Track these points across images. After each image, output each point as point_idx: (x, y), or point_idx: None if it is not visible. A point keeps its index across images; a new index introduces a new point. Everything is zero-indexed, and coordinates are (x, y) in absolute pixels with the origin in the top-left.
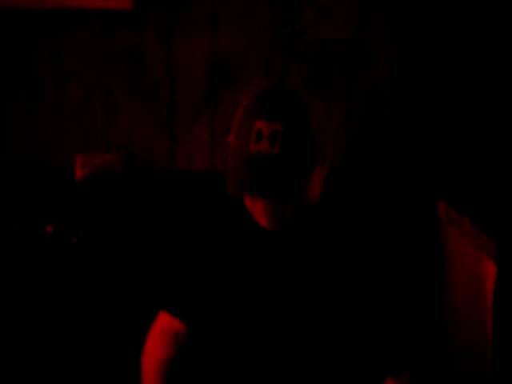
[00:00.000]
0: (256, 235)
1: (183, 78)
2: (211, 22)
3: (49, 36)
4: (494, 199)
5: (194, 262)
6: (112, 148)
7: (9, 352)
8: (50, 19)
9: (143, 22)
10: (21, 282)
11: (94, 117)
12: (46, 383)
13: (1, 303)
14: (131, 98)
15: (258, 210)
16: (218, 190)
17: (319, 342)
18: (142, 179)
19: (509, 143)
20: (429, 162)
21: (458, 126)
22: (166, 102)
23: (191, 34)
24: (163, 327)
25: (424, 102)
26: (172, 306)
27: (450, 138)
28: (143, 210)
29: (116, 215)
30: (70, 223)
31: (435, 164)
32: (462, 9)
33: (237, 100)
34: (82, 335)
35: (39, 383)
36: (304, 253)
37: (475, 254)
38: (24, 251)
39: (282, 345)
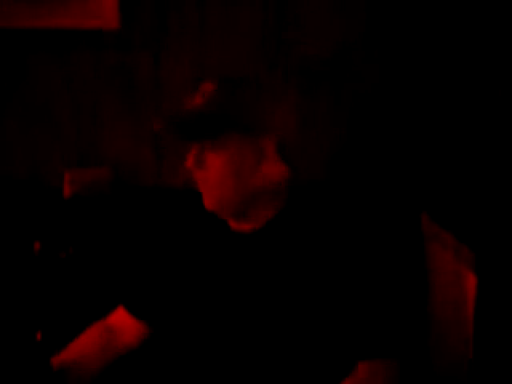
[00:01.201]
0: (227, 240)
1: (170, 94)
2: (199, 39)
3: (38, 55)
4: (474, 213)
5: (162, 266)
6: (100, 163)
7: None
8: (40, 38)
9: (130, 40)
10: (10, 295)
11: (82, 134)
12: None
13: None
14: (119, 114)
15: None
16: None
17: (283, 340)
18: (129, 195)
19: (488, 160)
20: (414, 178)
21: (442, 141)
22: (151, 114)
23: (179, 51)
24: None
25: (408, 117)
26: (134, 306)
27: (433, 153)
28: (128, 224)
29: (103, 230)
30: (58, 240)
31: (420, 180)
32: (441, 28)
33: None
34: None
35: None
36: (268, 255)
37: (456, 266)
38: (13, 266)
39: (245, 344)
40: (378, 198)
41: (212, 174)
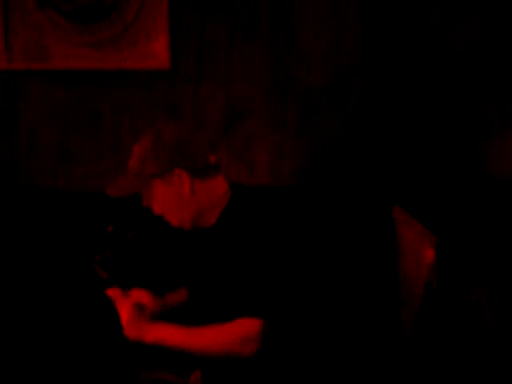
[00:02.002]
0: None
1: (206, 116)
2: (227, 75)
3: (109, 88)
4: (436, 204)
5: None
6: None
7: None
8: (108, 78)
9: (178, 77)
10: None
11: None
12: None
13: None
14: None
15: None
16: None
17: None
18: None
19: (447, 164)
20: (388, 177)
21: (412, 149)
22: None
23: (212, 85)
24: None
25: (385, 130)
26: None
27: (405, 159)
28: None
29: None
30: (125, 224)
31: (393, 178)
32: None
33: (245, 131)
34: None
35: None
36: (222, 241)
37: (421, 244)
38: (93, 243)
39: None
40: (360, 192)
41: (163, 203)
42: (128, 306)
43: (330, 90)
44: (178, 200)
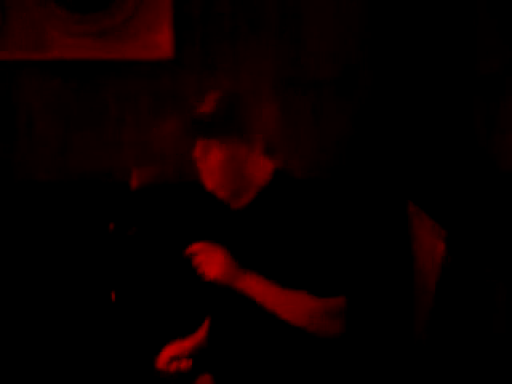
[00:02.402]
0: (223, 215)
1: None
2: (233, 66)
3: (111, 80)
4: (446, 202)
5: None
6: (159, 162)
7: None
8: (111, 68)
9: (182, 68)
10: (91, 261)
11: (144, 141)
12: None
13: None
14: (173, 124)
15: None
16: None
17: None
18: (178, 189)
19: (457, 164)
20: (403, 176)
21: (425, 151)
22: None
23: (217, 75)
24: None
25: (398, 128)
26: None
27: (418, 159)
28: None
29: (160, 215)
30: (126, 221)
31: (407, 177)
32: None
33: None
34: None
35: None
36: (258, 226)
37: (432, 238)
38: (94, 241)
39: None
40: (377, 190)
41: (213, 163)
42: (223, 251)
43: (338, 82)
44: (228, 164)
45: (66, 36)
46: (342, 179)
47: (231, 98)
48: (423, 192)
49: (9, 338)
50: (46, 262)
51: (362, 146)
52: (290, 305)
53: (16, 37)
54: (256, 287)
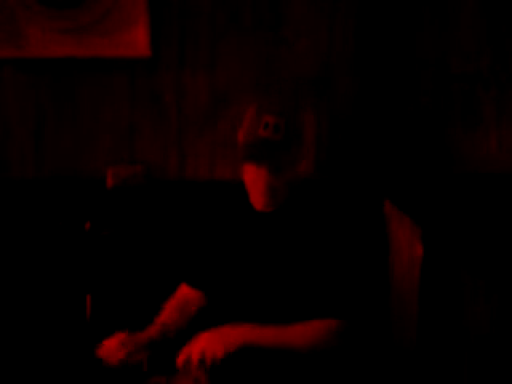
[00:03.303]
0: (250, 217)
1: (189, 105)
2: (211, 63)
3: (87, 77)
4: (422, 201)
5: (204, 245)
6: (135, 162)
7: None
8: (87, 65)
9: (159, 65)
10: (65, 264)
11: (121, 138)
12: None
13: (50, 280)
14: (150, 122)
15: (257, 187)
16: (218, 193)
17: (287, 288)
18: (158, 187)
19: (433, 164)
20: (380, 176)
21: (400, 150)
22: (175, 124)
23: (196, 71)
24: (181, 293)
25: (374, 130)
26: (192, 280)
27: (394, 159)
28: (159, 211)
29: (137, 214)
30: (103, 221)
31: (384, 177)
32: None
33: (229, 122)
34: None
35: None
36: (284, 230)
37: (409, 238)
38: (69, 241)
39: (264, 291)
40: (353, 190)
41: (264, 185)
42: (204, 334)
43: (316, 81)
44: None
45: (42, 32)
46: (321, 179)
47: (299, 125)
48: (400, 192)
49: None
50: (20, 261)
51: (338, 147)
52: (293, 340)
53: None
54: (258, 337)
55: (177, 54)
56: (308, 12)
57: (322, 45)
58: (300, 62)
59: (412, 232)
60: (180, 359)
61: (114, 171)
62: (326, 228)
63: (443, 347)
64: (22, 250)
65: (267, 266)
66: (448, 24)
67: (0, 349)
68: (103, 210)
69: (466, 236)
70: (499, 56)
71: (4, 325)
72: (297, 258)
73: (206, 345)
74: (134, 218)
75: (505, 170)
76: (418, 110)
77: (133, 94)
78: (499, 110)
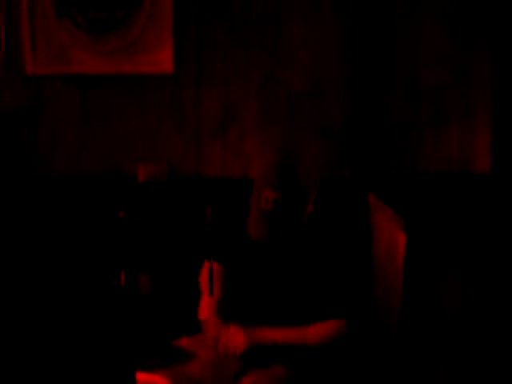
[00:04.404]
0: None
1: (205, 114)
2: (225, 78)
3: (121, 90)
4: (405, 194)
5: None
6: (160, 161)
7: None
8: (121, 80)
9: (180, 81)
10: (105, 244)
11: (149, 141)
12: None
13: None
14: (172, 127)
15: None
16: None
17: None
18: (178, 182)
19: (412, 161)
20: (364, 173)
21: (383, 148)
22: (194, 130)
23: (211, 87)
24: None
25: (358, 133)
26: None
27: (377, 156)
28: (180, 201)
29: (162, 203)
30: (135, 209)
31: (368, 173)
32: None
33: (238, 129)
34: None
35: None
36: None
37: (392, 228)
38: (107, 226)
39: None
40: (339, 183)
41: None
42: (232, 327)
43: (312, 94)
44: None
45: (83, 54)
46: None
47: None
48: (383, 188)
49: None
50: (66, 246)
51: (329, 149)
52: (305, 338)
53: (43, 55)
54: (275, 336)
55: (196, 72)
56: (304, 38)
57: (316, 66)
58: (295, 78)
59: (395, 223)
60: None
61: (144, 168)
62: (325, 227)
63: (425, 333)
64: (71, 233)
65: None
66: (419, 43)
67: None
68: (135, 200)
69: (445, 226)
70: (461, 70)
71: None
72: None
73: (233, 337)
74: (160, 206)
75: (464, 168)
76: (394, 119)
77: (158, 104)
78: (461, 117)
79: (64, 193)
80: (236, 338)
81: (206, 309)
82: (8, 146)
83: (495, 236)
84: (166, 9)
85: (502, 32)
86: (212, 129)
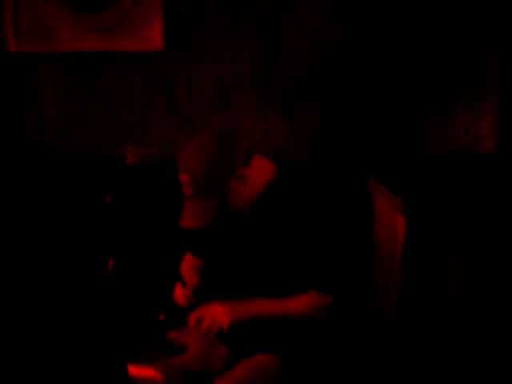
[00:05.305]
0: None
1: (199, 91)
2: (217, 58)
3: (109, 68)
4: (403, 176)
5: None
6: (150, 144)
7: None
8: (109, 58)
9: (171, 58)
10: (92, 229)
11: (137, 123)
12: None
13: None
14: (163, 108)
15: None
16: None
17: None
18: (168, 166)
19: (412, 145)
20: (364, 155)
21: (382, 133)
22: (185, 111)
23: (204, 65)
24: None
25: (360, 117)
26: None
27: (377, 140)
28: (170, 185)
29: (151, 188)
30: (123, 194)
31: (368, 155)
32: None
33: (233, 109)
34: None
35: None
36: (276, 209)
37: (392, 211)
38: (94, 212)
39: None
40: (342, 167)
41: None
42: (214, 304)
43: (309, 80)
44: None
45: (71, 31)
46: (311, 161)
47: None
48: (383, 170)
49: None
50: (50, 228)
51: (329, 135)
52: (289, 310)
53: (28, 32)
54: (258, 310)
55: (186, 50)
56: (304, 23)
57: (314, 55)
58: (294, 66)
59: (395, 204)
60: (192, 319)
61: (133, 151)
62: (315, 204)
63: (425, 315)
64: (57, 217)
65: (258, 240)
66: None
67: (37, 293)
68: (123, 184)
69: (444, 207)
70: (470, 59)
71: (43, 274)
72: (286, 234)
73: (216, 314)
74: (149, 191)
75: (469, 150)
76: (402, 102)
77: (148, 83)
78: (468, 103)
79: (51, 173)
80: (219, 315)
81: (182, 295)
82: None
83: (495, 217)
84: None
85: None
86: (204, 109)
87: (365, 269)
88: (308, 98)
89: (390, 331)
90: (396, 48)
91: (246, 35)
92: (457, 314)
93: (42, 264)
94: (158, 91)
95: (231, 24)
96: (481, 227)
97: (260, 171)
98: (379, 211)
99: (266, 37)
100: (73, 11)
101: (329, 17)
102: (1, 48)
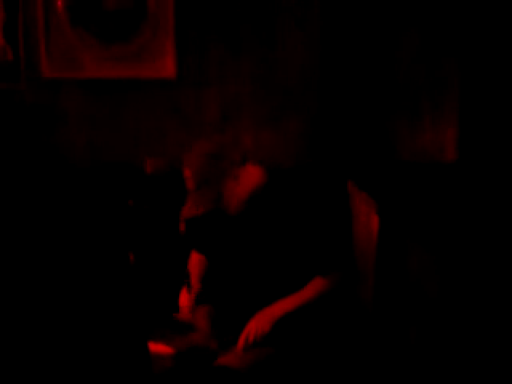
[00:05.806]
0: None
1: (206, 111)
2: (220, 80)
3: (128, 92)
4: (378, 182)
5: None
6: (165, 155)
7: None
8: (128, 84)
9: (182, 84)
10: (115, 230)
11: (154, 137)
12: None
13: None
14: (176, 125)
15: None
16: None
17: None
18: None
19: (385, 153)
20: (344, 162)
21: (361, 141)
22: (195, 128)
23: (209, 87)
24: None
25: (340, 128)
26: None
27: (356, 148)
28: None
29: (167, 193)
30: (143, 198)
31: (347, 163)
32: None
33: (235, 122)
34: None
35: None
36: (257, 221)
37: (368, 211)
38: (117, 214)
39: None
40: (324, 173)
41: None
42: (252, 320)
43: (296, 96)
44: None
45: (95, 60)
46: (299, 167)
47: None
48: (360, 176)
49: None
50: (82, 225)
51: (313, 141)
52: (308, 298)
53: (57, 61)
54: (286, 307)
55: (195, 77)
56: (294, 43)
57: (303, 70)
58: (285, 80)
59: (370, 206)
60: (240, 343)
61: (152, 161)
62: (302, 207)
63: (395, 300)
64: (87, 217)
65: (257, 238)
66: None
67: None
68: (143, 190)
69: (412, 209)
70: (434, 71)
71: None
72: (281, 231)
73: (256, 325)
74: (165, 196)
75: (435, 159)
76: (376, 114)
77: (162, 106)
78: (432, 114)
79: (81, 181)
80: (258, 323)
81: (185, 298)
82: (33, 137)
83: (455, 218)
84: (169, 22)
85: (469, 43)
86: (210, 126)
87: (347, 260)
88: (293, 112)
89: (367, 319)
90: (369, 64)
91: (246, 63)
92: (421, 298)
93: (76, 254)
94: (171, 112)
95: (233, 54)
96: (442, 225)
97: (252, 174)
98: (357, 211)
99: (264, 61)
100: (97, 42)
101: (311, 43)
102: (35, 73)
